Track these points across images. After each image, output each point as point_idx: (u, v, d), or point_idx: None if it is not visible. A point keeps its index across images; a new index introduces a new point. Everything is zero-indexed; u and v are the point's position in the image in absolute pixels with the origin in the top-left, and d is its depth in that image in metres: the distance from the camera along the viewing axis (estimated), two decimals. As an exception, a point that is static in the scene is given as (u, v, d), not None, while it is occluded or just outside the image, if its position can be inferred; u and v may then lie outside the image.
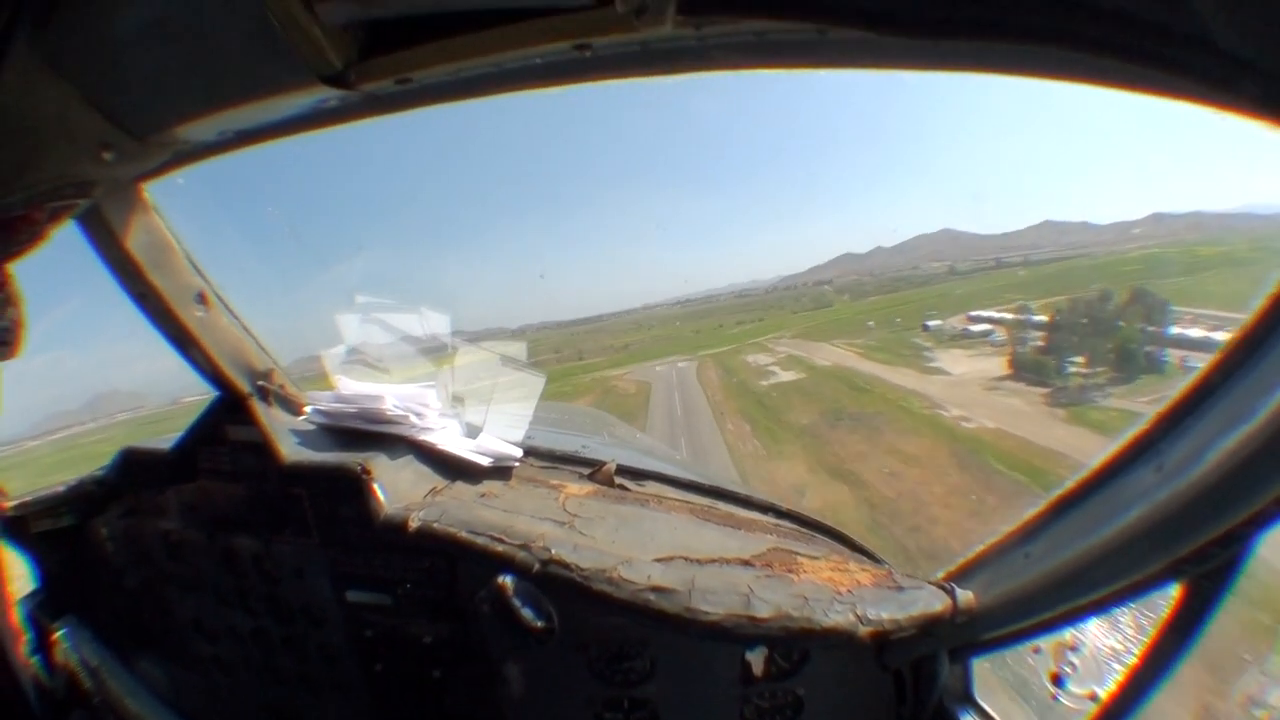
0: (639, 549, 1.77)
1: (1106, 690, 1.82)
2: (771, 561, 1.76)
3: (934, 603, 1.72)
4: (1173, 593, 1.55)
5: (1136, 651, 1.69)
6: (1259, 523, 1.25)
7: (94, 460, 2.64)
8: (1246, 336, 1.34)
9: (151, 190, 1.93)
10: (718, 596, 1.67)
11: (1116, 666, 1.86)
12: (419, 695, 2.12)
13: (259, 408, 2.10)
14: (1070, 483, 1.64)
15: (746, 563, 1.75)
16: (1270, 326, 1.27)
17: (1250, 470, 1.14)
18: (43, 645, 2.85)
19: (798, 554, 1.79)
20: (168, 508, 2.35)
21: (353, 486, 1.93)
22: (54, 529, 2.73)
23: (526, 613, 1.86)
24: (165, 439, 2.43)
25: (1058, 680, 1.91)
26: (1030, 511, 1.70)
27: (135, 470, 2.42)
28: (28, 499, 2.77)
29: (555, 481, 2.03)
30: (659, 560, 1.74)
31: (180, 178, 1.87)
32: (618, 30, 1.05)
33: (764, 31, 1.10)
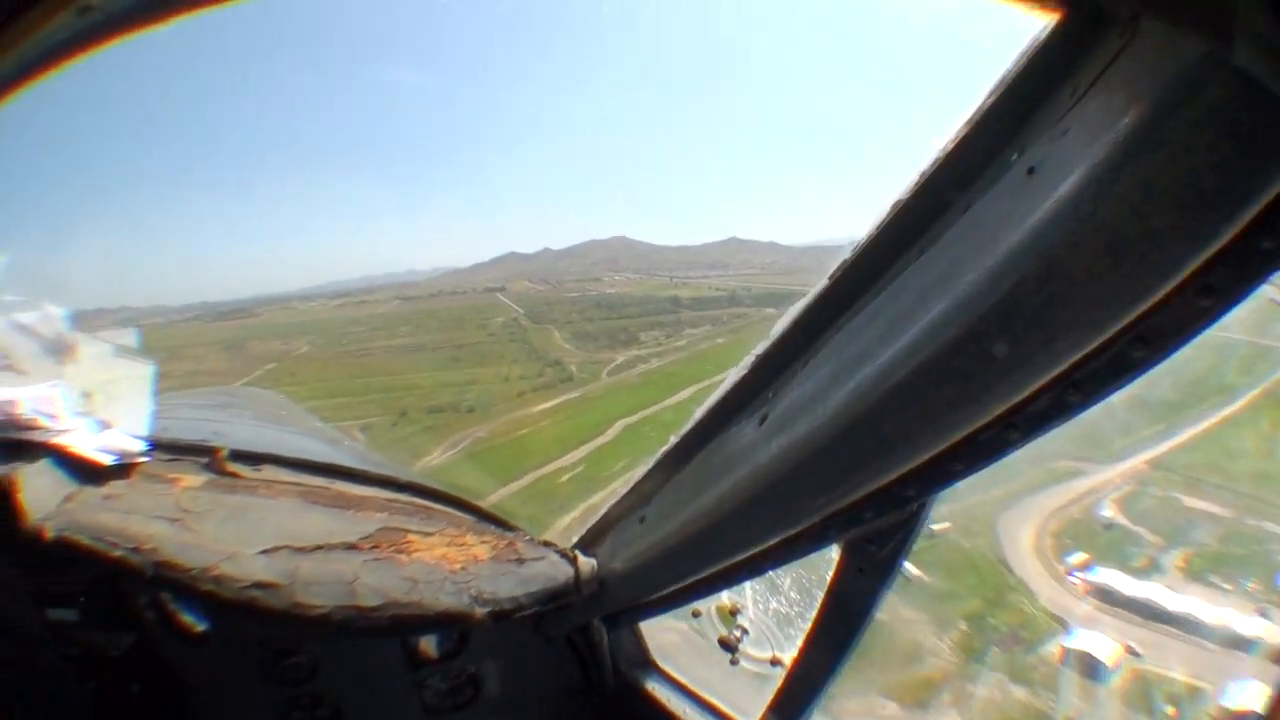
0: (245, 542, 1.66)
1: (790, 655, 1.66)
2: (380, 542, 1.64)
3: (556, 575, 1.59)
4: (834, 557, 1.39)
5: (810, 616, 1.53)
6: (919, 487, 1.09)
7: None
8: (844, 278, 1.15)
9: None
10: (323, 588, 1.56)
11: (794, 631, 1.70)
12: (123, 712, 2.07)
13: None
14: (675, 440, 1.47)
15: (353, 546, 1.63)
16: (867, 270, 1.10)
17: (878, 429, 0.97)
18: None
19: (409, 531, 1.67)
20: None
21: (5, 500, 1.85)
22: None
23: (188, 617, 1.78)
24: None
25: (729, 645, 1.76)
26: (641, 473, 1.53)
27: None
28: None
29: (173, 475, 1.92)
30: (264, 553, 1.63)
31: None
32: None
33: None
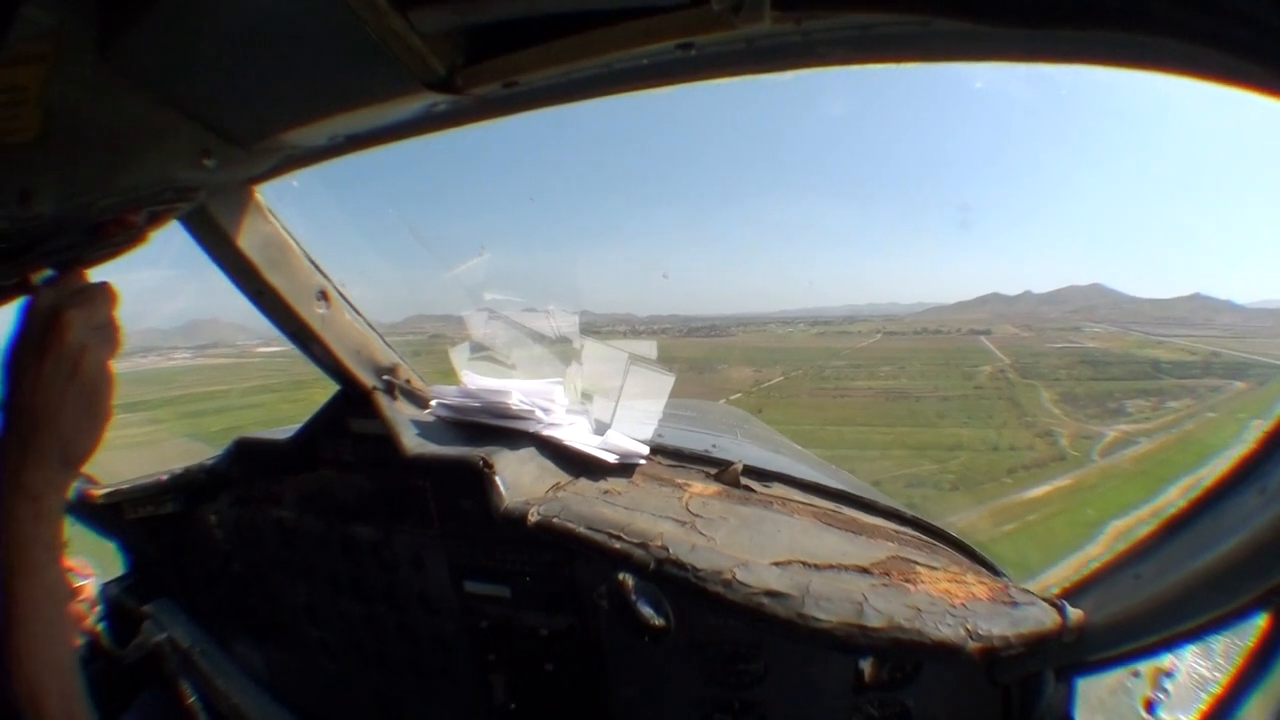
0: (757, 552, 1.84)
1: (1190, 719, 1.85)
2: (890, 570, 1.82)
3: (1045, 620, 1.77)
4: (1259, 623, 1.53)
5: (1221, 680, 1.73)
6: None
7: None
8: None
9: (264, 191, 1.89)
10: (831, 604, 1.72)
11: (1203, 695, 1.90)
12: (530, 687, 2.19)
13: (383, 401, 2.20)
14: (1182, 503, 1.68)
15: (864, 570, 1.82)
16: None
17: None
18: (123, 626, 2.96)
19: (917, 563, 1.85)
20: (283, 497, 2.46)
21: (474, 479, 2.01)
22: (150, 515, 2.86)
23: (645, 610, 1.91)
24: (278, 430, 2.56)
25: (1150, 706, 1.95)
26: (1144, 531, 1.74)
27: (250, 460, 2.53)
28: (122, 487, 2.93)
29: (680, 480, 2.10)
30: (776, 564, 1.81)
31: (295, 180, 1.83)
32: (718, 28, 1.03)
33: (867, 25, 1.08)
